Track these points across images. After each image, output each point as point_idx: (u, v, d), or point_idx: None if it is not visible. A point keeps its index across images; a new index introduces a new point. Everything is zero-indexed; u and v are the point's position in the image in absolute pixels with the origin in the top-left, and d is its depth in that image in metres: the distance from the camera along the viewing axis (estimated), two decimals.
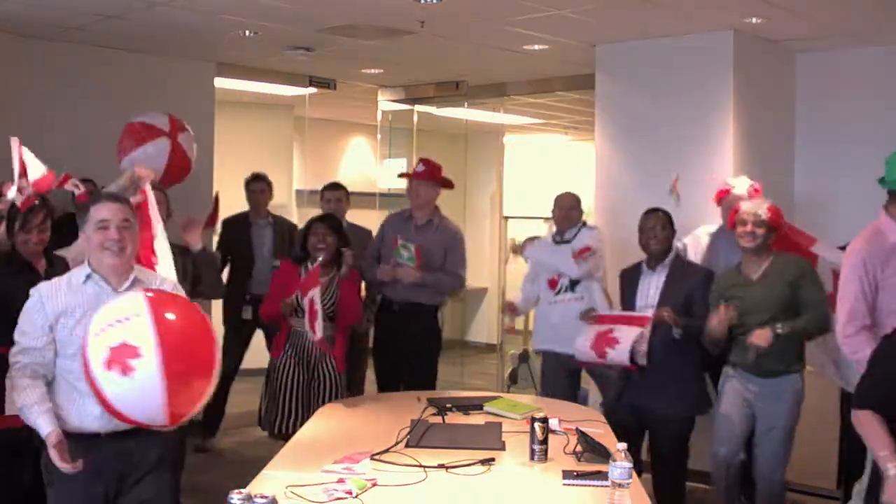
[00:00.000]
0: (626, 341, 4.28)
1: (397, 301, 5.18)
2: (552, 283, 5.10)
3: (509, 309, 5.45)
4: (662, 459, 4.44)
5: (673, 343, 4.30)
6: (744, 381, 4.21)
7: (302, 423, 4.41)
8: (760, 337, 3.99)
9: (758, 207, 4.18)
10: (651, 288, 4.47)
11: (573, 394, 5.13)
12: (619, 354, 4.30)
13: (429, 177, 5.24)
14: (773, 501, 4.17)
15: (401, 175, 5.63)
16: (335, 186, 5.92)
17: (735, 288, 4.20)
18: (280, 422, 4.56)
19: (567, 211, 5.15)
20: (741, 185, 4.91)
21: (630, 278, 4.60)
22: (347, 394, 4.64)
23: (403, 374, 5.21)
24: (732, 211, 4.36)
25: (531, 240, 5.45)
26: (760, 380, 4.14)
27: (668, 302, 4.34)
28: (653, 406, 4.34)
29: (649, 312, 4.34)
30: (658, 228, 4.47)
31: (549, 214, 5.29)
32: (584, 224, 5.15)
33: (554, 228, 5.25)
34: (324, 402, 4.44)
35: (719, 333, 4.10)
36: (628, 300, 4.57)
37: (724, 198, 4.91)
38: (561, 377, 5.08)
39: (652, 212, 4.56)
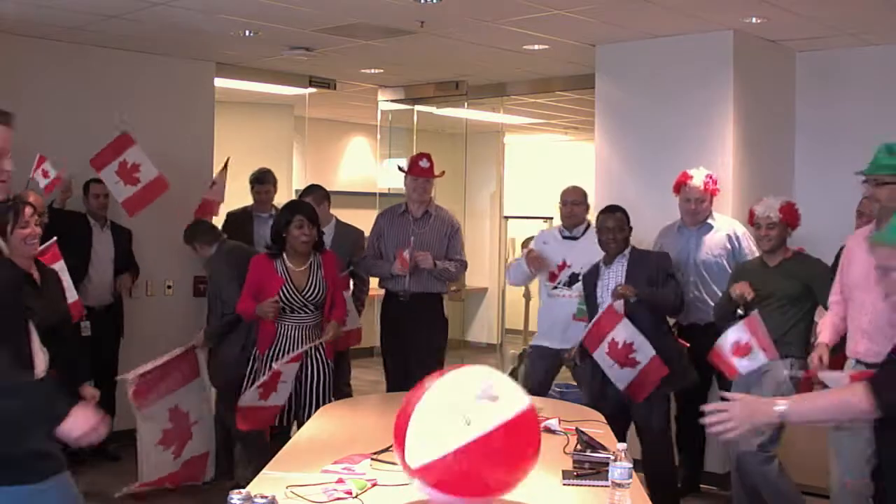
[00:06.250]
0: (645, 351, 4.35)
1: (410, 292, 5.19)
2: (552, 277, 5.10)
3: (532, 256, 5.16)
4: (652, 440, 4.47)
5: (652, 328, 4.38)
6: None
7: (293, 416, 4.49)
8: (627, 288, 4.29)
9: (769, 210, 4.23)
10: (611, 280, 4.49)
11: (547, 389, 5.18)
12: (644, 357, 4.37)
13: (433, 172, 5.26)
14: None
15: (402, 170, 5.39)
16: (311, 189, 5.64)
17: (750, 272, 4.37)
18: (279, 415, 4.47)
19: (571, 207, 5.12)
20: (698, 175, 4.98)
21: (590, 281, 4.63)
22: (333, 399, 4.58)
23: (413, 362, 5.18)
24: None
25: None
26: None
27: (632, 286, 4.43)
28: None
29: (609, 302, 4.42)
30: (617, 230, 4.50)
31: (550, 214, 5.26)
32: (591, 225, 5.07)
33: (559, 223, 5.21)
34: (316, 393, 4.46)
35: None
36: (591, 300, 4.60)
37: (683, 186, 5.00)
38: (542, 371, 5.10)
39: (610, 212, 4.57)
